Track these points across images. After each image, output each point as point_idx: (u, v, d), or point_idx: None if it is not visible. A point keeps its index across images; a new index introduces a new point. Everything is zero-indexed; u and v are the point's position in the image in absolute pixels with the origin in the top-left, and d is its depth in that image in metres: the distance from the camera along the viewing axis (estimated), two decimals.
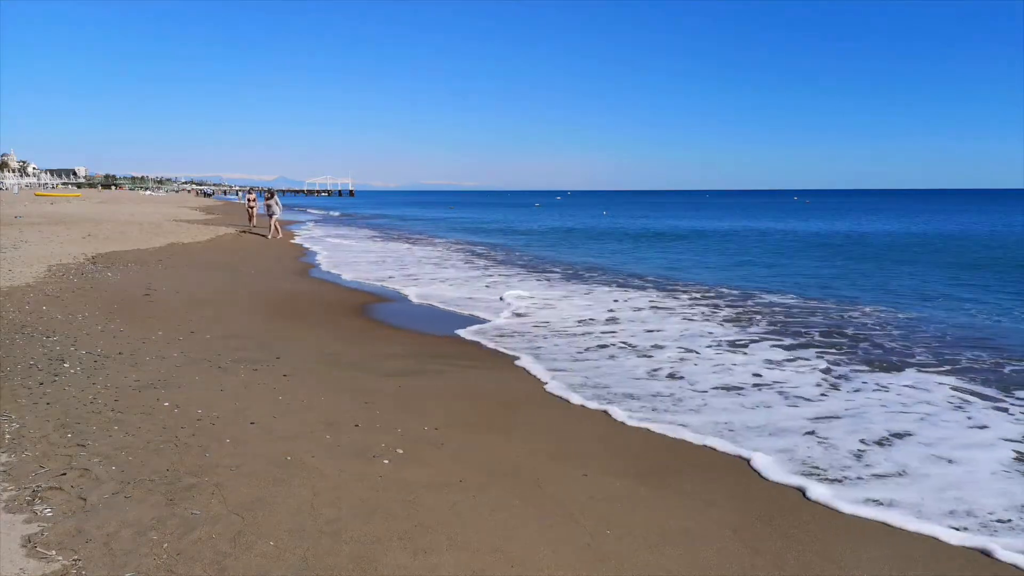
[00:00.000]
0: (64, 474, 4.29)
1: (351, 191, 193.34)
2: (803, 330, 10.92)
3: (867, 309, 12.91)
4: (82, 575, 3.25)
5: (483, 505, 4.36)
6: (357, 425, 5.70)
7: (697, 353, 9.29)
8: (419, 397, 6.76)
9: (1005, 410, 6.91)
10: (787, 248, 27.64)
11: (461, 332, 10.47)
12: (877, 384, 7.84)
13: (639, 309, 12.82)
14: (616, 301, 13.78)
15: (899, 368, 8.57)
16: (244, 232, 27.76)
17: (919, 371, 8.41)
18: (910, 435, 6.20)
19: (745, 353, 9.32)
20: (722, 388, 7.65)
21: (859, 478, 5.24)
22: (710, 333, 10.62)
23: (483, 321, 11.43)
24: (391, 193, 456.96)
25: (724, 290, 15.53)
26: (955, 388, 7.64)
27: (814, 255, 24.37)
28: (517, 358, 8.83)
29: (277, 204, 26.67)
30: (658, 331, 10.74)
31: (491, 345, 9.60)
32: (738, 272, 19.25)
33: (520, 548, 3.83)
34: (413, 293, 14.50)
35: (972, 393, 7.47)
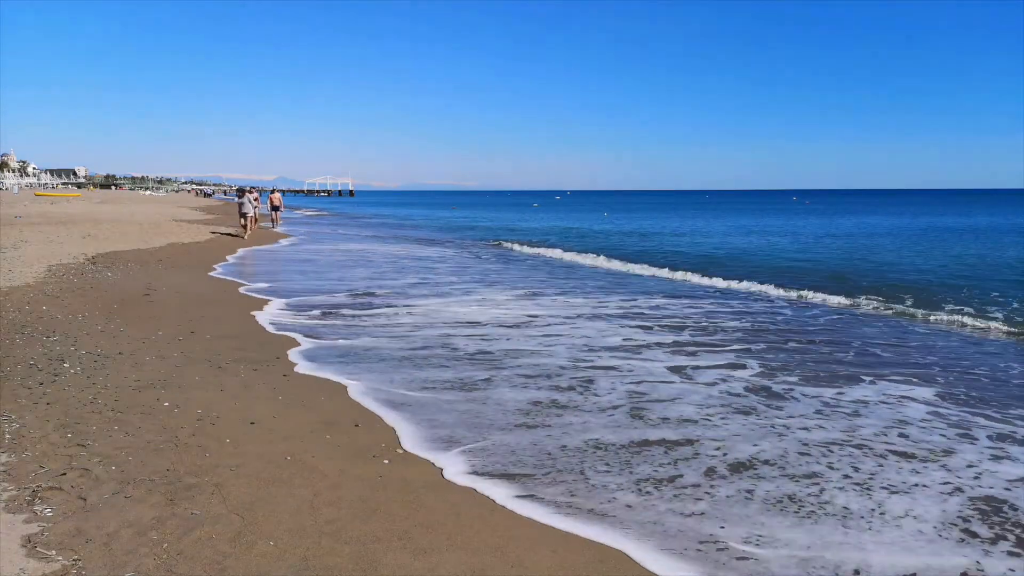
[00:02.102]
0: (64, 474, 4.30)
1: (351, 191, 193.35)
2: (759, 335, 9.81)
3: (844, 311, 12.32)
4: (82, 575, 3.25)
5: (483, 505, 4.36)
6: (357, 425, 5.70)
7: (585, 362, 7.97)
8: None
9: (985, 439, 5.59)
10: (788, 249, 27.62)
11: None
12: (817, 400, 6.63)
13: (563, 314, 11.33)
14: (539, 303, 12.46)
15: (854, 378, 7.40)
16: (238, 236, 26.26)
17: (875, 382, 7.29)
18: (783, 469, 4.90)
19: (644, 360, 8.09)
20: (524, 408, 6.19)
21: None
22: (628, 337, 9.36)
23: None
24: (391, 193, 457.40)
25: (712, 292, 15.44)
26: (929, 404, 6.53)
27: (813, 256, 24.35)
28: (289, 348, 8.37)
29: (250, 202, 26.37)
30: (556, 336, 9.48)
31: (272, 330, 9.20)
32: (740, 272, 19.16)
33: (520, 548, 3.83)
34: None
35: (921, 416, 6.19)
